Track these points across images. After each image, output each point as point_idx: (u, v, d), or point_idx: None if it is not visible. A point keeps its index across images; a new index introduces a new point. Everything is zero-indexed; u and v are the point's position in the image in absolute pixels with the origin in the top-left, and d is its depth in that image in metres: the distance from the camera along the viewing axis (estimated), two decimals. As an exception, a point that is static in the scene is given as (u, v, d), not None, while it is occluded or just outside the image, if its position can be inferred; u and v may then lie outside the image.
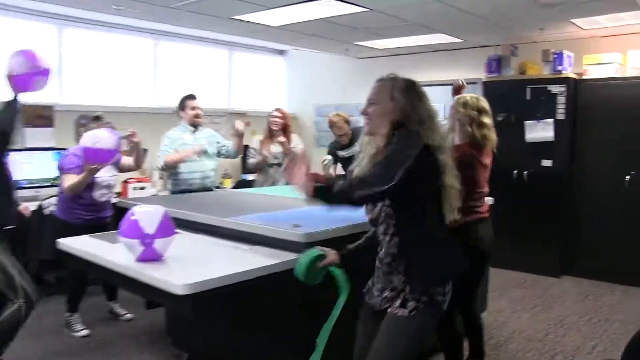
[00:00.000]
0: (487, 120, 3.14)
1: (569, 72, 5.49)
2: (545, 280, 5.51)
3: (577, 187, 5.57)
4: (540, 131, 5.58)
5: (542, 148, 5.59)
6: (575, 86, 5.50)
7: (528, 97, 5.67)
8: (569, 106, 5.44)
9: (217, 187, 4.59)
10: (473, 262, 2.64)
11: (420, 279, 2.07)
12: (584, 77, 5.53)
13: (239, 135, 4.56)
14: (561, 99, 5.47)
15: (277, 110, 5.12)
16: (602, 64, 5.40)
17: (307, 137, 7.46)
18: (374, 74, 2.27)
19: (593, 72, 5.46)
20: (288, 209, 3.26)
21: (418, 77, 2.32)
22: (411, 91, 2.12)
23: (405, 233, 2.08)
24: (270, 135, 5.05)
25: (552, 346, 3.85)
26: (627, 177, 5.25)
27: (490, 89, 5.88)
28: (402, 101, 2.09)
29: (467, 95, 3.22)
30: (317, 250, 2.25)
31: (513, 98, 5.72)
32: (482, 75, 6.11)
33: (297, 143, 5.06)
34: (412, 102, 2.10)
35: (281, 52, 8.19)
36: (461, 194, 2.17)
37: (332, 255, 2.27)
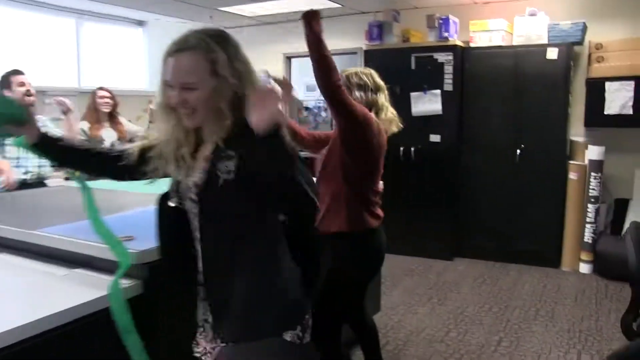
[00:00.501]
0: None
1: (455, 39, 5.06)
2: (437, 264, 5.10)
3: (466, 163, 5.19)
4: (427, 104, 5.11)
5: (429, 122, 5.14)
6: (462, 55, 5.08)
7: (413, 66, 5.19)
8: (457, 76, 5.02)
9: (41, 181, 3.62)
10: (370, 269, 2.48)
11: None
12: (470, 44, 5.12)
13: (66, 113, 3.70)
14: (448, 69, 5.03)
15: (102, 89, 4.34)
16: (488, 31, 5.02)
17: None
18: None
19: (480, 40, 5.08)
20: (125, 210, 2.44)
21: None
22: (237, 54, 1.42)
23: None
24: (98, 118, 4.24)
25: (455, 347, 3.37)
26: (518, 152, 4.93)
27: (371, 58, 5.34)
28: (230, 72, 1.37)
29: (356, 68, 2.58)
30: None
31: (397, 68, 5.21)
32: (363, 43, 5.54)
33: (129, 126, 4.44)
34: (242, 67, 1.41)
35: (140, 23, 7.16)
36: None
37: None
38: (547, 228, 4.94)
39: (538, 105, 4.84)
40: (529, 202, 4.96)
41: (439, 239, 5.24)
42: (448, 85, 5.04)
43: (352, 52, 6.02)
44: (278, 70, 6.84)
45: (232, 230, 1.42)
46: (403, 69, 5.21)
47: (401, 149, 5.26)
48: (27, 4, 5.62)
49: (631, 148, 4.95)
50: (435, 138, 5.15)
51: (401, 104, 5.23)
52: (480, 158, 5.13)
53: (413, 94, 5.16)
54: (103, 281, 1.66)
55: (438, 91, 5.06)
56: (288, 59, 6.93)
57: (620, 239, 4.67)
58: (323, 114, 10.44)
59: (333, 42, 5.52)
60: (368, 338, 2.71)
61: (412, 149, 5.22)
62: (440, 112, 5.08)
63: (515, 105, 4.92)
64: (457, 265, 5.10)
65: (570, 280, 4.66)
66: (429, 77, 5.10)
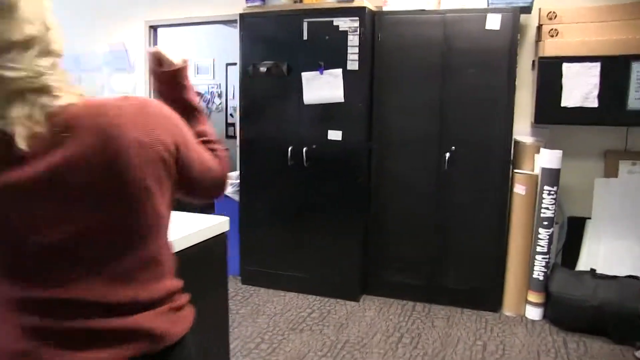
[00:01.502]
0: None
1: (363, 0, 3.65)
2: (339, 308, 3.70)
3: (378, 169, 3.80)
4: (323, 88, 3.67)
5: (327, 113, 3.71)
6: (373, 21, 3.68)
7: (305, 36, 3.73)
8: (365, 50, 3.61)
9: None
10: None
11: None
12: (384, 8, 3.73)
13: None
14: (353, 40, 3.61)
15: None
16: (407, -10, 3.65)
17: None
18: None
19: (396, 2, 3.69)
20: None
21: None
22: None
23: None
24: None
25: None
26: (447, 155, 3.59)
27: (249, 27, 3.86)
28: None
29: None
30: None
31: (284, 39, 3.76)
32: (241, 8, 4.02)
33: None
34: None
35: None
36: None
37: None
38: (484, 259, 3.64)
39: (473, 93, 3.51)
40: (461, 225, 3.64)
41: (342, 272, 3.84)
42: (353, 63, 3.62)
43: (230, 21, 4.50)
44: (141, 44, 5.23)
45: None
46: (292, 40, 3.76)
47: (289, 149, 3.82)
48: None
49: (591, 152, 3.74)
50: (335, 135, 3.74)
51: (288, 87, 3.82)
52: (396, 164, 3.76)
53: (305, 74, 3.72)
54: None
55: (339, 71, 3.64)
56: (153, 29, 5.32)
57: (576, 275, 3.45)
58: (217, 100, 8.86)
59: (202, 9, 4.02)
60: None
61: (304, 149, 3.79)
62: (342, 100, 3.66)
63: (444, 93, 3.58)
64: (366, 308, 3.71)
65: (516, 332, 3.38)
66: (326, 52, 3.67)
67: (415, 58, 3.63)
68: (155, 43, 5.51)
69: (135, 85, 5.57)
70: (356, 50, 3.59)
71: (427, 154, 3.66)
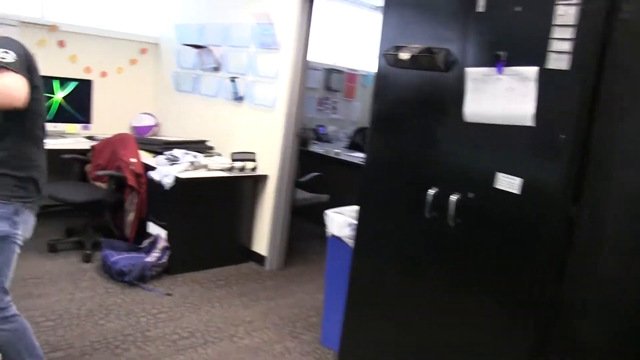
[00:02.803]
0: None
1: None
2: None
3: (584, 261, 2.08)
4: (500, 98, 2.10)
5: (501, 143, 2.14)
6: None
7: (482, 6, 2.15)
8: (586, 35, 1.92)
9: None
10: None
11: None
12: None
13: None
14: (565, 14, 1.95)
15: None
16: None
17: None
18: None
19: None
20: None
21: None
22: None
23: None
24: None
25: None
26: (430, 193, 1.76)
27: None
28: None
29: None
30: None
31: (445, 9, 2.24)
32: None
33: None
34: None
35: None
36: None
37: None
38: None
39: None
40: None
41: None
42: (559, 58, 1.97)
43: None
44: None
45: None
46: (459, 12, 2.21)
47: (431, 194, 2.33)
48: None
49: None
50: (508, 183, 2.15)
51: (443, 91, 2.27)
52: (619, 256, 2.00)
53: (471, 72, 2.16)
54: None
55: (532, 70, 2.02)
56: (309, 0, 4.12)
57: None
58: None
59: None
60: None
61: (454, 198, 2.27)
62: (531, 122, 2.05)
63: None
64: None
65: None
66: (512, 35, 2.06)
67: None
68: (309, 18, 4.31)
69: (278, 69, 4.43)
70: (569, 33, 1.91)
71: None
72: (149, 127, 5.65)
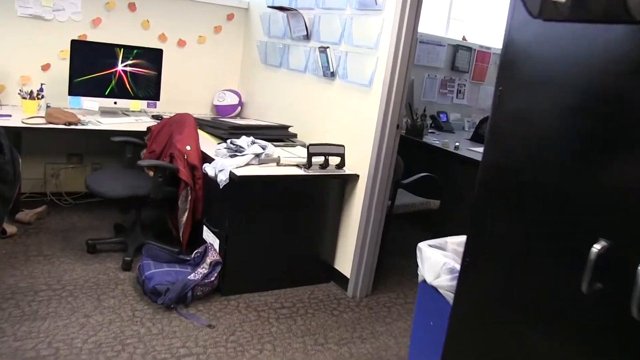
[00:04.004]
0: None
1: None
2: None
3: None
4: None
5: None
6: None
7: None
8: None
9: None
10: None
11: None
12: None
13: None
14: None
15: None
16: None
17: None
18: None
19: None
20: None
21: None
22: None
23: None
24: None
25: None
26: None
27: None
28: None
29: None
30: None
31: None
32: None
33: None
34: None
35: None
36: None
37: None
38: None
39: None
40: None
41: None
42: None
43: None
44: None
45: None
46: None
47: (595, 253, 1.12)
48: None
49: None
50: None
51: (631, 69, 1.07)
52: None
53: None
54: None
55: None
56: None
57: None
58: None
59: None
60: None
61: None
62: None
63: None
64: None
65: None
66: None
67: None
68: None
69: (379, 36, 3.35)
70: None
71: None
72: (234, 107, 4.82)
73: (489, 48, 6.64)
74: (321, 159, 3.45)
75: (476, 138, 5.96)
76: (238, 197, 3.19)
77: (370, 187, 3.47)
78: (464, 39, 6.49)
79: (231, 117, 4.62)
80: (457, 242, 2.36)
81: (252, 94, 4.81)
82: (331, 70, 3.77)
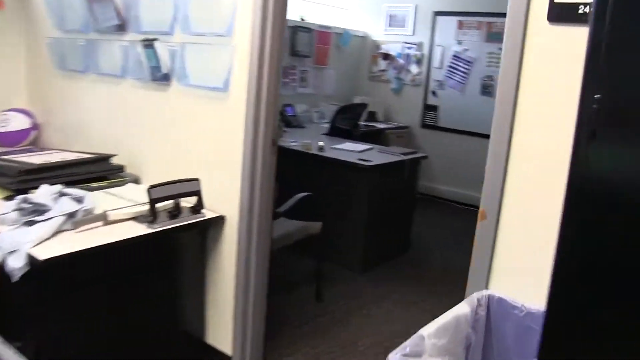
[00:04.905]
0: None
1: None
2: None
3: None
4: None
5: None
6: None
7: None
8: None
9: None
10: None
11: None
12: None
13: None
14: None
15: None
16: None
17: None
18: None
19: None
20: None
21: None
22: None
23: None
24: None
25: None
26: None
27: None
28: None
29: None
30: None
31: None
32: None
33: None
34: None
35: None
36: None
37: None
38: None
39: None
40: None
41: None
42: None
43: None
44: None
45: None
46: None
47: None
48: None
49: None
50: None
51: None
52: None
53: None
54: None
55: None
56: None
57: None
58: (414, 69, 5.99)
59: None
60: None
61: None
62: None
63: None
64: None
65: None
66: None
67: None
68: None
69: (231, 17, 2.29)
70: None
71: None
72: (24, 133, 3.44)
73: (329, 27, 5.94)
74: (170, 203, 2.35)
75: (334, 132, 5.21)
76: (47, 291, 1.99)
77: (246, 228, 2.47)
78: (302, 20, 5.68)
79: (23, 151, 3.25)
80: (434, 331, 1.47)
81: (50, 112, 3.48)
82: (163, 71, 2.66)
